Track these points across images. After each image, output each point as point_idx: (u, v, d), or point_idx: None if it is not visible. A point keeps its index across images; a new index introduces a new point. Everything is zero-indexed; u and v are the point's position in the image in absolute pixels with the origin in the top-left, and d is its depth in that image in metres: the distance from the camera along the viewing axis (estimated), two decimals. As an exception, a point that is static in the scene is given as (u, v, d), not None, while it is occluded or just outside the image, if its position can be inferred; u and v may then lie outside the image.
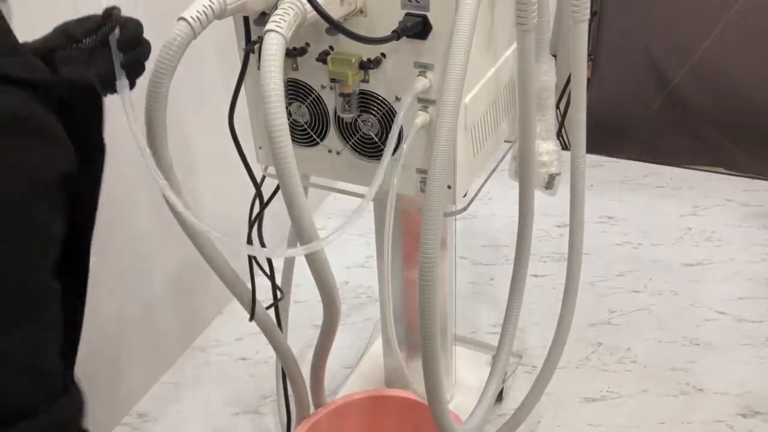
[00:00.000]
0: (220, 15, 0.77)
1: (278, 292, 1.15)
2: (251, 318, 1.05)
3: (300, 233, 0.79)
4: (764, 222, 2.15)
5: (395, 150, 0.88)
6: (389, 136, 0.85)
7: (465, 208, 1.02)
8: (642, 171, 2.45)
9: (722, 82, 2.47)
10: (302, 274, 1.91)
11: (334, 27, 0.75)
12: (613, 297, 1.88)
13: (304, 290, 1.90)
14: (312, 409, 1.27)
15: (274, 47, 0.71)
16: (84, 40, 0.70)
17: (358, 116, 0.94)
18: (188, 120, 1.56)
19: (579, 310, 1.82)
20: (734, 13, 2.35)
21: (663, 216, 2.20)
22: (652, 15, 2.47)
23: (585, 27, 1.06)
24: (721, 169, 2.49)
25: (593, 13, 2.61)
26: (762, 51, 2.37)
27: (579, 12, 1.05)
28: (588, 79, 2.71)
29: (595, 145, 2.72)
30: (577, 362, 1.69)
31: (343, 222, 0.82)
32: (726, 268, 1.97)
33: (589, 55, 2.68)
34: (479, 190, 1.06)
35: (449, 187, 0.94)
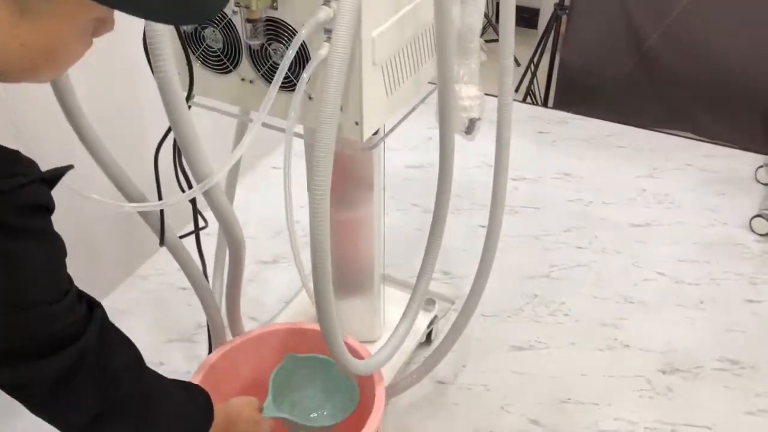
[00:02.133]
0: None
1: (201, 221, 1.15)
2: (161, 243, 1.06)
3: (188, 159, 0.79)
4: (719, 188, 2.16)
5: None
6: (283, 59, 0.84)
7: (374, 146, 1.02)
8: (606, 130, 2.44)
9: (695, 46, 2.45)
10: (249, 210, 1.93)
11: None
12: (556, 252, 1.90)
13: (251, 227, 1.92)
14: (229, 337, 1.29)
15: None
16: None
17: (269, 45, 0.93)
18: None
19: (520, 262, 1.85)
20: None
21: (619, 176, 2.21)
22: (630, -28, 2.43)
23: (514, -32, 1.05)
24: (688, 134, 2.49)
25: (571, -33, 2.57)
26: (736, 18, 2.34)
27: (508, -47, 1.03)
28: (562, 36, 2.69)
29: (563, 103, 2.71)
30: (511, 312, 1.72)
31: (236, 149, 0.82)
32: (673, 230, 1.99)
33: (564, 9, 2.66)
34: (393, 128, 1.05)
35: (356, 123, 0.94)
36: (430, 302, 1.60)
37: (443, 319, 1.66)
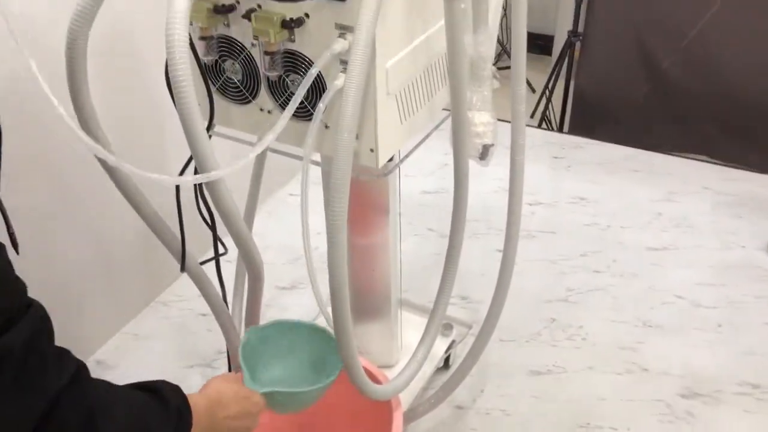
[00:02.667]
0: None
1: (221, 247, 1.18)
2: (182, 269, 1.09)
3: (198, 163, 0.81)
4: (737, 211, 2.16)
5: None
6: (298, 88, 0.87)
7: (389, 172, 1.05)
8: (621, 155, 2.45)
9: (711, 70, 2.46)
10: (268, 237, 1.96)
11: (241, -17, 0.77)
12: (573, 276, 1.90)
13: (270, 253, 1.95)
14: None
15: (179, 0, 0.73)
16: None
17: (286, 75, 0.96)
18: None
19: (537, 286, 1.86)
20: (724, 1, 2.33)
21: (635, 200, 2.21)
22: (643, -1, 2.45)
23: (524, 0, 1.07)
24: (705, 157, 2.49)
25: (584, -6, 2.60)
26: (752, 39, 2.35)
27: (518, -16, 1.06)
28: (576, 62, 2.71)
29: (578, 128, 2.73)
30: (528, 336, 1.72)
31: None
32: (690, 254, 1.98)
33: (578, 36, 2.69)
34: (408, 154, 1.08)
35: (372, 150, 0.97)
36: (448, 327, 1.61)
37: (461, 343, 1.67)
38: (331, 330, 1.01)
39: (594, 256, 1.97)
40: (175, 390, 0.81)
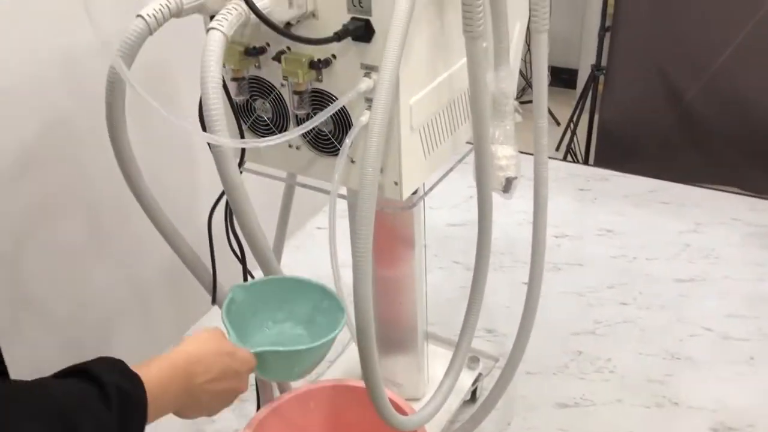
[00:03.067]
0: (177, 14, 0.84)
1: (249, 278, 1.21)
2: (213, 301, 1.12)
3: (239, 219, 0.85)
4: (767, 242, 2.14)
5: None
6: (321, 115, 0.90)
7: (414, 205, 1.07)
8: (648, 186, 2.45)
9: (737, 101, 2.46)
10: (295, 270, 1.98)
11: (271, 27, 0.81)
12: (601, 308, 1.89)
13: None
14: (277, 394, 1.32)
15: (214, 44, 0.78)
16: None
17: (314, 113, 0.99)
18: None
19: (564, 318, 1.85)
20: (749, 31, 2.34)
21: (663, 231, 2.20)
22: (665, 31, 2.48)
23: (545, 37, 1.10)
24: (733, 188, 2.48)
25: (605, 28, 2.63)
26: (776, 70, 2.35)
27: (538, 22, 1.09)
28: (600, 95, 2.73)
29: (604, 160, 2.74)
30: (556, 369, 1.71)
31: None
32: (719, 285, 1.96)
33: (601, 69, 2.72)
34: (432, 187, 1.10)
35: (396, 183, 0.99)
36: (474, 360, 1.61)
37: (487, 376, 1.66)
38: (332, 288, 0.97)
39: (621, 288, 1.96)
40: (112, 363, 0.67)
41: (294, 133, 0.87)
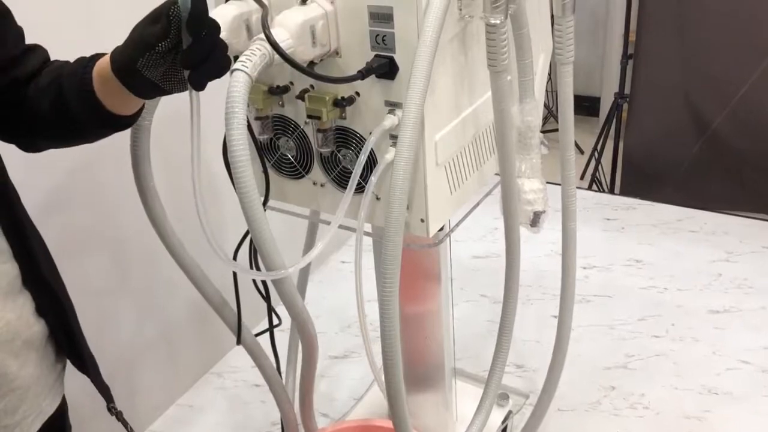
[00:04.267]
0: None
1: (275, 318, 1.19)
2: (238, 342, 1.10)
3: (264, 259, 0.84)
4: (802, 271, 2.08)
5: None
6: (355, 166, 0.90)
7: (440, 242, 1.05)
8: (676, 215, 2.41)
9: (762, 126, 2.42)
10: (320, 304, 1.98)
11: (295, 67, 0.81)
12: (633, 341, 1.85)
13: (321, 321, 1.95)
14: (303, 433, 1.30)
15: (239, 85, 0.77)
16: (158, 47, 0.73)
17: (338, 151, 0.99)
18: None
19: (595, 353, 1.81)
20: (774, 57, 2.32)
21: (693, 261, 2.15)
22: (688, 58, 2.46)
23: (570, 69, 1.09)
24: (762, 215, 2.42)
25: (628, 56, 2.62)
26: (803, 95, 2.32)
27: (563, 55, 1.08)
28: (624, 123, 2.71)
29: (630, 188, 2.70)
30: (588, 405, 1.66)
31: (311, 251, 0.87)
32: (754, 316, 1.91)
33: (625, 97, 2.70)
34: (459, 223, 1.08)
35: (422, 220, 0.98)
36: (504, 397, 1.57)
37: (518, 414, 1.62)
38: None
39: (653, 320, 1.92)
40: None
41: (347, 198, 0.86)
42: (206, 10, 0.73)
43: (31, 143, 0.90)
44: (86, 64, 0.83)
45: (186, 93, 0.80)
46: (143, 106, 0.88)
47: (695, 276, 2.08)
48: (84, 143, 0.90)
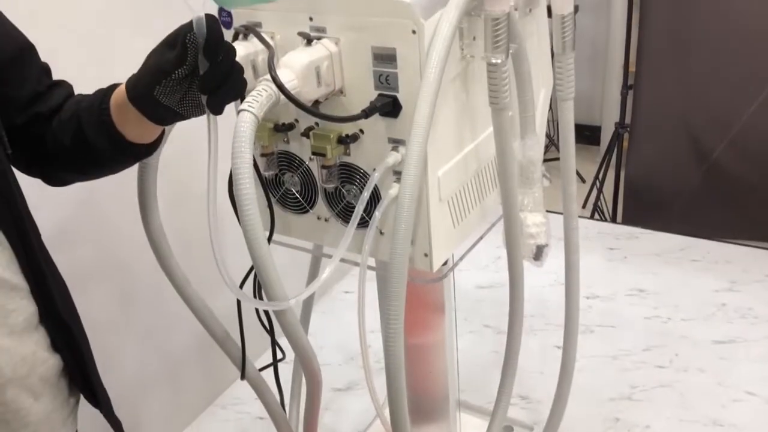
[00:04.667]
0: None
1: (278, 352, 1.20)
2: (242, 377, 1.10)
3: (267, 293, 0.85)
4: (806, 300, 2.08)
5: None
6: (358, 202, 0.91)
7: (444, 276, 1.06)
8: (679, 244, 2.40)
9: (764, 155, 2.44)
10: (323, 336, 1.97)
11: (301, 108, 0.82)
12: (636, 372, 1.84)
13: (325, 352, 1.95)
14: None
15: (245, 126, 0.79)
16: (174, 74, 0.75)
17: (342, 186, 1.00)
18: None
19: (599, 384, 1.80)
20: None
21: (697, 290, 2.15)
22: (689, 88, 2.48)
23: (570, 105, 1.11)
24: (765, 244, 2.43)
25: (629, 86, 2.65)
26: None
27: (563, 91, 1.09)
28: (625, 152, 2.73)
29: (632, 217, 2.71)
30: (592, 438, 1.65)
31: (313, 283, 0.87)
32: (760, 347, 1.90)
33: (625, 127, 2.72)
34: (462, 257, 1.09)
35: (426, 255, 0.99)
36: (509, 429, 1.57)
37: (522, 446, 1.62)
38: None
39: (657, 351, 1.91)
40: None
41: (349, 234, 0.89)
42: (222, 35, 0.75)
43: (56, 177, 0.92)
44: (104, 95, 0.85)
45: (191, 122, 0.82)
46: (163, 133, 0.89)
47: (699, 305, 2.08)
48: (108, 174, 0.92)
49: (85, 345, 0.92)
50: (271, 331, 1.15)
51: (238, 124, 0.79)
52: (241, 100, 0.82)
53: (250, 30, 0.89)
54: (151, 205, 1.01)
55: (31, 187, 0.90)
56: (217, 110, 0.78)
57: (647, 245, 2.42)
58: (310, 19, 0.90)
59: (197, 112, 0.81)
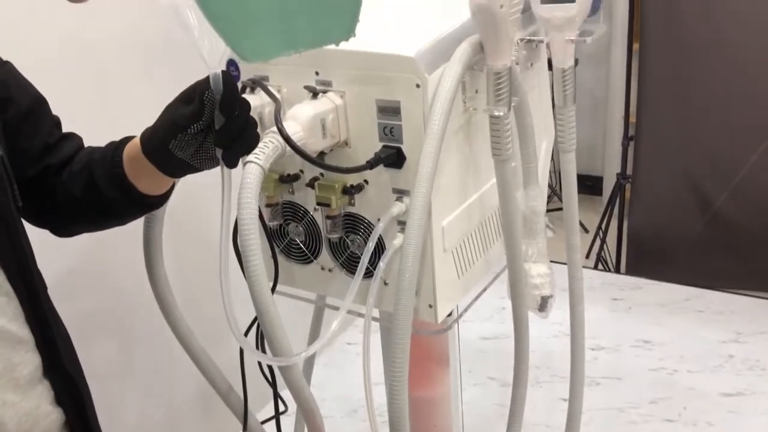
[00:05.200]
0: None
1: (281, 405, 1.18)
2: (244, 429, 1.09)
3: (271, 346, 0.84)
4: (814, 351, 2.05)
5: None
6: (363, 253, 0.91)
7: (449, 327, 1.05)
8: (683, 294, 2.39)
9: (766, 205, 2.44)
10: (325, 388, 1.95)
11: (306, 159, 0.83)
12: (644, 425, 1.81)
13: (327, 405, 1.92)
14: None
15: (251, 177, 0.80)
16: (190, 128, 0.77)
17: (347, 236, 1.00)
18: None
19: (606, 437, 1.77)
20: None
21: (703, 342, 2.13)
22: (689, 139, 2.50)
23: (572, 156, 1.12)
24: (769, 295, 2.41)
25: (629, 137, 2.67)
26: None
27: (565, 143, 1.10)
28: (627, 202, 2.74)
29: (636, 267, 2.70)
30: (601, 493, 1.62)
31: (319, 339, 0.87)
32: (768, 399, 1.87)
33: (627, 177, 2.73)
34: (467, 308, 1.09)
35: (430, 306, 0.98)
36: (514, 484, 1.53)
37: (529, 502, 1.58)
38: None
39: (664, 404, 1.88)
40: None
41: (355, 285, 0.89)
42: (237, 91, 0.77)
43: (63, 228, 0.93)
44: (116, 147, 0.87)
45: (197, 174, 0.82)
46: (173, 185, 0.90)
47: (706, 357, 2.06)
48: (116, 225, 0.93)
49: (88, 398, 0.91)
50: (273, 384, 1.14)
51: (245, 175, 0.80)
52: (248, 152, 0.83)
53: (257, 83, 0.91)
54: (156, 257, 1.02)
55: (36, 236, 0.91)
56: (232, 164, 0.80)
57: (651, 296, 2.41)
58: (317, 73, 0.92)
59: (210, 164, 0.82)
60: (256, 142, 0.81)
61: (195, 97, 0.76)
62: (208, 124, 0.77)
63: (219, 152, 0.79)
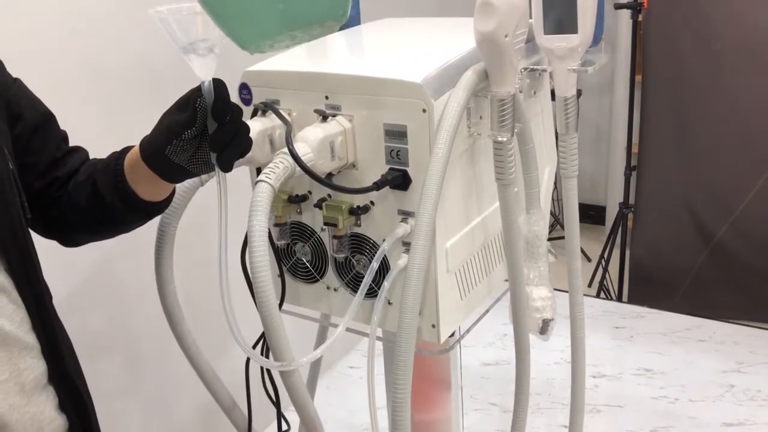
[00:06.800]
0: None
1: (284, 423, 1.19)
2: (248, 445, 1.10)
3: (276, 356, 0.86)
4: (815, 382, 2.05)
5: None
6: (367, 272, 0.93)
7: (451, 347, 1.07)
8: (685, 323, 2.40)
9: (766, 236, 2.46)
10: (327, 411, 1.95)
11: (316, 180, 0.86)
12: (645, 454, 1.81)
13: (328, 429, 1.92)
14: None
15: (262, 196, 0.82)
16: (185, 134, 0.80)
17: (352, 256, 1.03)
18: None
19: (607, 465, 1.76)
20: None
21: (704, 371, 2.13)
22: (691, 169, 2.53)
23: (574, 182, 1.14)
24: (771, 326, 2.42)
25: (632, 168, 2.70)
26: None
27: (567, 169, 1.13)
28: (630, 232, 2.76)
29: (638, 296, 2.71)
30: None
31: (322, 346, 0.89)
32: (770, 430, 1.87)
33: (629, 207, 2.76)
34: (469, 329, 1.10)
35: (433, 326, 1.00)
36: None
37: None
38: None
39: (665, 432, 1.88)
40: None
41: (356, 304, 0.89)
42: (229, 97, 0.80)
43: (70, 238, 0.96)
44: (117, 156, 0.91)
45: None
46: (173, 192, 0.93)
47: (707, 386, 2.06)
48: (120, 233, 0.96)
49: (90, 406, 0.93)
50: (276, 402, 1.16)
51: (255, 195, 0.83)
52: (258, 171, 0.86)
53: (269, 106, 0.94)
54: (166, 272, 1.04)
55: (45, 251, 0.93)
56: (227, 167, 0.83)
57: (653, 325, 2.42)
58: (326, 97, 0.95)
59: (206, 169, 0.85)
60: (249, 146, 0.84)
61: (188, 104, 0.80)
62: (202, 130, 0.81)
63: (214, 157, 0.82)
